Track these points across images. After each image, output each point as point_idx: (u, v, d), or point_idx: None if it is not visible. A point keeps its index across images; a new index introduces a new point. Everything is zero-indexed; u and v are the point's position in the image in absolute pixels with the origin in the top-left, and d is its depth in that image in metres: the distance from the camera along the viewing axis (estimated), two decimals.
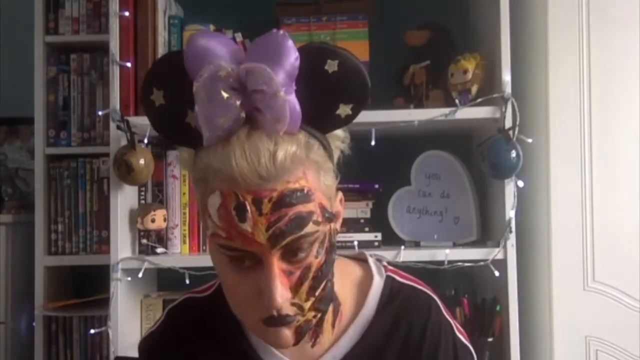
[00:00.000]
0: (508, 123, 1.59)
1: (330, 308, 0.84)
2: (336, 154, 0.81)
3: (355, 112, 0.76)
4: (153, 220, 1.69)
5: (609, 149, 1.58)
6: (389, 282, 0.90)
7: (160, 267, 1.67)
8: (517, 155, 1.58)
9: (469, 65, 1.64)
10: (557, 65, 1.60)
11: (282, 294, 0.72)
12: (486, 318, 1.65)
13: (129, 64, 1.67)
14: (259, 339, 0.85)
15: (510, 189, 1.61)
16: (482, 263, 1.61)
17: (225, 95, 0.69)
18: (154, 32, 1.72)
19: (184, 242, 1.77)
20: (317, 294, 0.76)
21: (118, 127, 1.62)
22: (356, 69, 0.74)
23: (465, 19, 2.01)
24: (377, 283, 0.89)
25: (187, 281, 1.62)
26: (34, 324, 1.90)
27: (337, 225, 0.81)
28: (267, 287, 0.72)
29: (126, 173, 1.60)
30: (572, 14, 1.59)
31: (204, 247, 1.78)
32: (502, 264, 1.61)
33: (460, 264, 1.63)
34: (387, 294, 0.89)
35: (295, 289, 0.74)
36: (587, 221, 1.58)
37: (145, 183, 1.74)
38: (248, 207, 0.70)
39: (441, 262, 1.63)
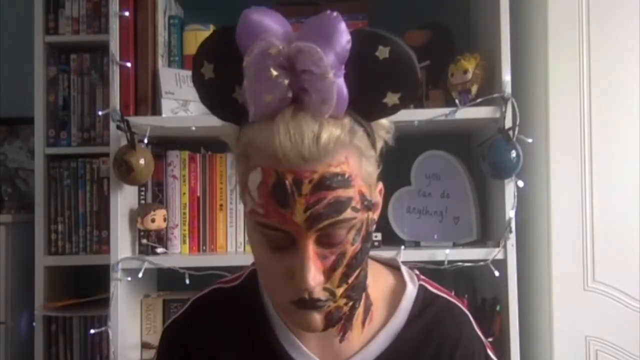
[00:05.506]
0: (508, 123, 1.59)
1: (362, 306, 0.84)
2: (380, 143, 0.81)
3: (403, 102, 0.76)
4: (153, 220, 1.70)
5: (609, 149, 1.58)
6: (422, 291, 0.89)
7: (160, 267, 1.67)
8: (517, 155, 1.58)
9: (469, 65, 1.64)
10: (557, 65, 1.60)
11: (314, 277, 0.71)
12: (486, 318, 1.65)
13: (129, 64, 1.66)
14: (280, 329, 0.86)
15: (510, 189, 1.61)
16: (482, 263, 1.61)
17: (274, 73, 0.68)
18: (154, 32, 1.72)
19: (184, 242, 1.77)
20: (350, 281, 0.75)
21: (118, 127, 1.62)
22: (407, 56, 0.73)
23: (465, 19, 2.01)
24: (410, 291, 0.88)
25: (187, 281, 1.62)
26: (34, 324, 1.90)
27: (375, 215, 0.81)
28: (300, 268, 0.71)
29: (126, 173, 1.60)
30: (572, 14, 1.59)
31: (204, 247, 1.78)
32: (502, 264, 1.61)
33: (460, 264, 1.63)
34: (419, 303, 0.88)
35: (328, 274, 0.74)
36: (587, 221, 1.58)
37: (145, 183, 1.74)
38: (288, 187, 0.70)
39: (441, 262, 1.63)
